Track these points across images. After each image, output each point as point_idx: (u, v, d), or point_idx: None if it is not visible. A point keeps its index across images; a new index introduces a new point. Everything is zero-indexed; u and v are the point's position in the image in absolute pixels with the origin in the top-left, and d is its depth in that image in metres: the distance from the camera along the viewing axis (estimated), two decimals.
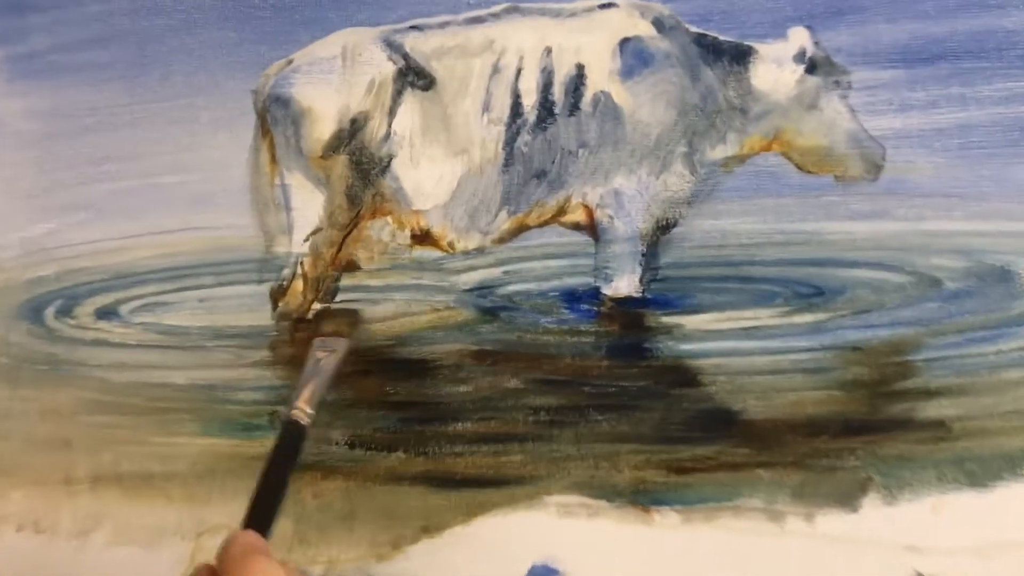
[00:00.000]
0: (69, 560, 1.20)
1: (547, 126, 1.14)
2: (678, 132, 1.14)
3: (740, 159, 1.14)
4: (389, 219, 1.19)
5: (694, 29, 1.14)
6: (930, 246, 1.07)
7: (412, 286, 1.19)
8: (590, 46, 1.14)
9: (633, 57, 1.14)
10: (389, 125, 1.16)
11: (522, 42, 1.15)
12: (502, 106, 1.14)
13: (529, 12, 1.16)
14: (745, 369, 1.08)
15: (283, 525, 1.09)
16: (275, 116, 1.19)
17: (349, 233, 1.19)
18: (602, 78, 1.14)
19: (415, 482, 1.12)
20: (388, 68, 1.16)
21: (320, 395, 0.95)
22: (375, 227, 1.19)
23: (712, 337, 1.10)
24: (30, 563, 1.21)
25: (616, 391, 1.10)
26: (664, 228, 1.14)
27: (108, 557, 1.19)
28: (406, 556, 1.10)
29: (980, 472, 1.02)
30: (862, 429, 1.05)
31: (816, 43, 1.11)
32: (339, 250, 1.20)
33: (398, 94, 1.16)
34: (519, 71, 1.15)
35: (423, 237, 1.19)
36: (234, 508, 1.16)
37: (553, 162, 1.15)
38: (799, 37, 1.11)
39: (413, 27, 1.18)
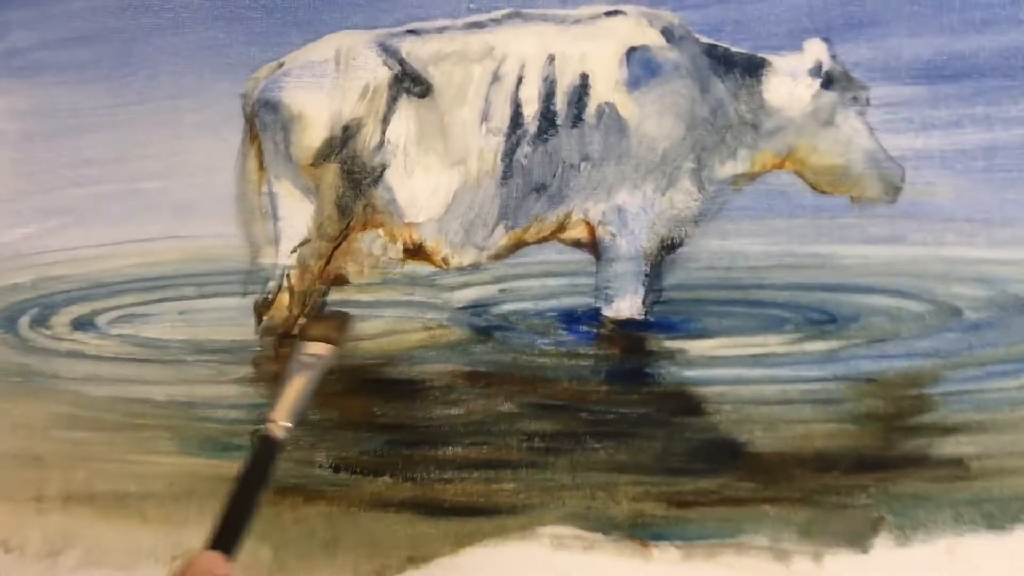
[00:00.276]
0: None
1: (548, 137, 1.12)
2: (686, 147, 1.12)
3: (751, 177, 1.12)
4: (381, 231, 1.17)
5: (705, 39, 1.12)
6: (950, 273, 1.05)
7: (403, 302, 1.17)
8: (595, 55, 1.12)
9: (640, 67, 1.12)
10: (383, 133, 1.14)
11: (524, 49, 1.13)
12: (502, 116, 1.13)
13: (532, 18, 1.14)
14: (752, 398, 1.06)
15: (261, 551, 1.11)
16: (264, 121, 1.18)
17: (338, 245, 1.17)
18: (607, 88, 1.12)
19: (402, 509, 1.10)
20: (383, 73, 1.14)
21: (300, 408, 0.92)
22: (366, 240, 1.17)
23: (717, 363, 1.09)
24: None
25: (615, 418, 1.08)
26: (669, 248, 1.12)
27: None
28: None
29: (999, 514, 1.00)
30: (875, 465, 1.03)
31: (833, 56, 1.09)
32: (328, 263, 1.18)
33: (393, 101, 1.14)
34: (520, 79, 1.13)
35: (416, 251, 1.17)
36: None
37: (554, 175, 1.13)
38: (815, 50, 1.09)
39: (410, 31, 1.16)
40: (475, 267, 1.16)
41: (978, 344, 1.04)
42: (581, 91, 1.12)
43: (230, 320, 1.19)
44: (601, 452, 1.07)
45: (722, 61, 1.11)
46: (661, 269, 1.12)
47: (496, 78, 1.13)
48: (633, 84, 1.11)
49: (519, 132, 1.12)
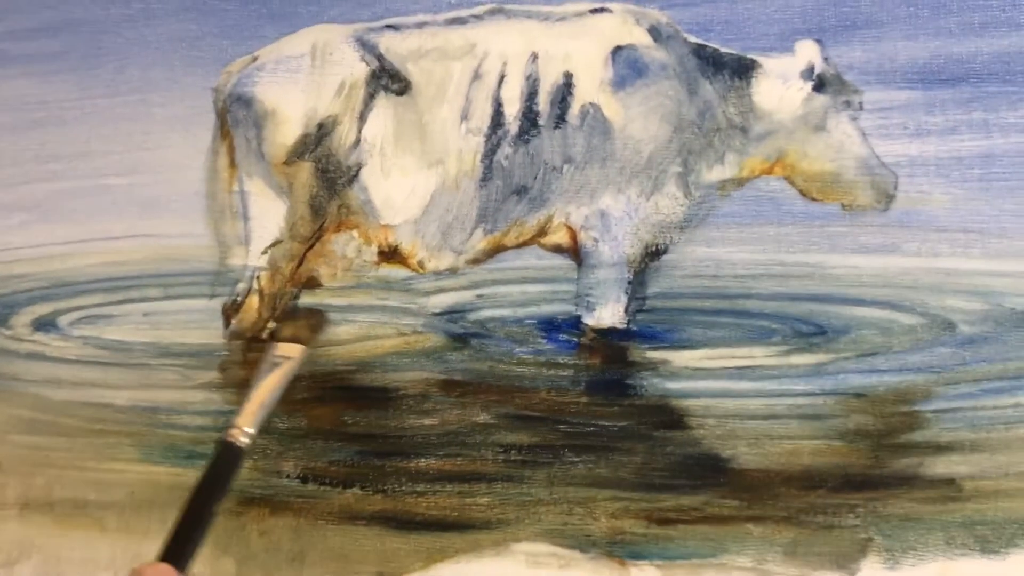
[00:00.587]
0: None
1: (530, 138, 1.10)
2: (672, 150, 1.10)
3: (739, 182, 1.10)
4: (355, 233, 1.15)
5: (693, 39, 1.10)
6: (944, 285, 1.04)
7: (377, 307, 1.16)
8: (580, 53, 1.10)
9: (626, 67, 1.10)
10: (359, 131, 1.12)
11: (506, 46, 1.11)
12: (482, 115, 1.11)
13: (515, 14, 1.13)
14: (737, 412, 1.05)
15: (225, 565, 1.10)
16: (236, 117, 1.16)
17: (311, 247, 1.15)
18: (592, 88, 1.10)
19: (371, 522, 1.09)
20: (360, 69, 1.13)
21: (265, 412, 0.89)
22: (339, 241, 1.15)
23: (702, 375, 1.07)
24: None
25: (594, 431, 1.07)
26: (653, 254, 1.10)
27: None
28: None
29: (992, 537, 0.98)
30: (864, 484, 1.01)
31: (826, 59, 1.07)
32: (299, 265, 1.16)
33: (370, 98, 1.12)
34: (502, 77, 1.11)
35: (391, 254, 1.15)
36: None
37: (535, 178, 1.11)
38: (807, 52, 1.07)
39: (389, 26, 1.14)
40: (452, 271, 1.14)
41: (973, 359, 1.03)
42: (565, 91, 1.10)
43: (197, 323, 1.18)
44: (580, 466, 1.06)
45: (711, 62, 1.10)
46: (645, 276, 1.10)
47: (477, 76, 1.11)
48: (618, 84, 1.10)
49: (500, 132, 1.11)
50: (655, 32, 1.10)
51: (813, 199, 1.08)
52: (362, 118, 1.12)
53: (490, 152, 1.11)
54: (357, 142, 1.12)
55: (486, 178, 1.11)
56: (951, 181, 1.03)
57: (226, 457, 0.86)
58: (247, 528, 1.10)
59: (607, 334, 1.10)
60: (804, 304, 1.06)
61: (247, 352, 1.16)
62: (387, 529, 1.08)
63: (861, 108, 1.06)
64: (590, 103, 1.10)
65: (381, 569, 1.07)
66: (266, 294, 1.15)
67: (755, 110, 1.09)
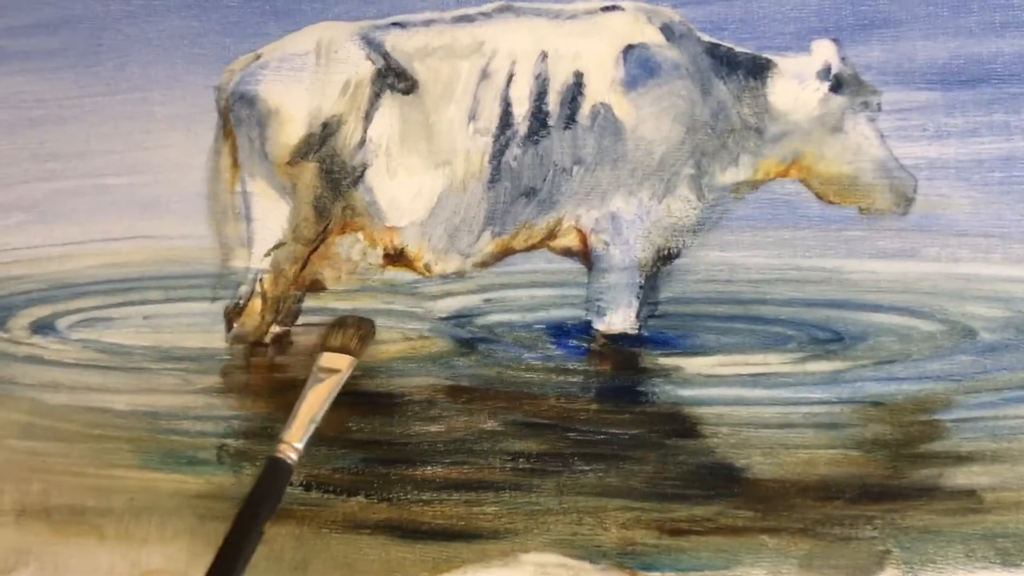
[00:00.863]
0: None
1: (539, 139, 1.10)
2: (685, 151, 1.09)
3: (753, 185, 1.10)
4: (360, 235, 1.14)
5: (707, 38, 1.10)
6: (964, 291, 1.04)
7: (383, 311, 1.14)
8: (590, 52, 1.10)
9: (638, 66, 1.09)
10: (364, 131, 1.12)
11: (515, 45, 1.11)
12: (490, 115, 1.10)
13: (524, 12, 1.12)
14: (751, 421, 1.04)
15: None
16: (239, 116, 1.15)
17: (315, 249, 1.15)
18: (603, 88, 1.09)
19: (376, 531, 1.08)
20: (366, 68, 1.12)
21: (313, 426, 0.91)
22: (344, 244, 1.15)
23: (715, 383, 1.07)
24: None
25: (605, 439, 1.06)
26: (665, 258, 1.10)
27: None
28: None
29: (1014, 549, 0.97)
30: (882, 495, 1.01)
31: (843, 58, 1.07)
32: (303, 267, 1.15)
33: (376, 97, 1.12)
34: (511, 77, 1.10)
35: (397, 257, 1.14)
36: (173, 550, 1.12)
37: (544, 179, 1.10)
38: (824, 51, 1.07)
39: (395, 24, 1.13)
40: (459, 275, 1.14)
41: (994, 367, 1.02)
42: (575, 91, 1.09)
43: (198, 326, 1.17)
44: (590, 475, 1.05)
45: (725, 61, 1.09)
46: (657, 281, 1.10)
47: (485, 75, 1.10)
48: (630, 84, 1.09)
49: (508, 133, 1.10)
50: (668, 30, 1.10)
51: (830, 202, 1.07)
52: (367, 118, 1.12)
53: (498, 153, 1.10)
54: (362, 142, 1.12)
55: (494, 179, 1.10)
56: (971, 184, 1.02)
57: (274, 473, 0.88)
58: None
59: (618, 340, 1.10)
60: (820, 310, 1.06)
61: (250, 356, 1.16)
62: (392, 538, 1.07)
63: (879, 109, 1.06)
64: (601, 103, 1.09)
65: None
66: (269, 297, 1.15)
67: (770, 111, 1.09)
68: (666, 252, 1.09)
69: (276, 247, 1.14)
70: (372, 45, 1.12)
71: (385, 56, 1.12)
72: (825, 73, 1.07)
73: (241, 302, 1.15)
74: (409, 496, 1.08)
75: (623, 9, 1.10)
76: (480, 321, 1.13)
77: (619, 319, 1.09)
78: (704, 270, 1.07)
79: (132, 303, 1.19)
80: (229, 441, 1.12)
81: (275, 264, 1.14)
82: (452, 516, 1.06)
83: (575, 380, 1.09)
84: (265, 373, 1.15)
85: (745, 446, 1.03)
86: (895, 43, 1.04)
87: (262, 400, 1.14)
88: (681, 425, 1.06)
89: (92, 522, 1.14)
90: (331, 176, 1.12)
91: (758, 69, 1.08)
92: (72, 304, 1.21)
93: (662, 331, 1.09)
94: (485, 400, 1.10)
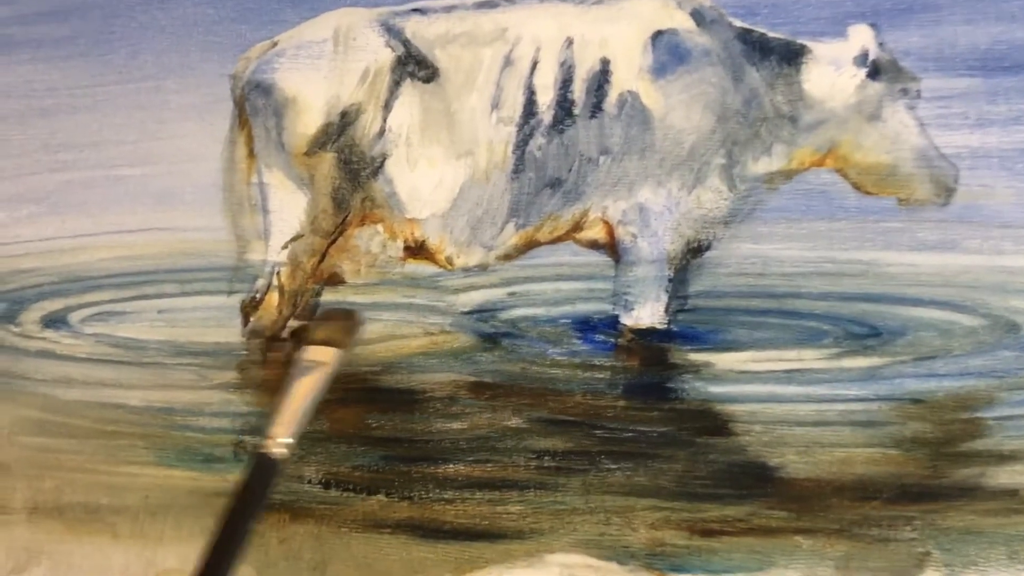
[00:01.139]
0: None
1: (564, 128, 1.09)
2: (716, 141, 1.08)
3: (787, 175, 1.09)
4: (380, 227, 1.14)
5: (738, 23, 1.09)
6: (1008, 285, 1.03)
7: (403, 305, 1.15)
8: (618, 39, 1.09)
9: (667, 53, 1.09)
10: (384, 120, 1.11)
11: (539, 31, 1.10)
12: (514, 103, 1.10)
13: None
14: (785, 418, 1.04)
15: (244, 573, 1.09)
16: (255, 105, 1.15)
17: (334, 241, 1.14)
18: (630, 76, 1.08)
19: (397, 530, 1.08)
20: (385, 55, 1.11)
21: (302, 421, 0.88)
22: (363, 236, 1.14)
23: (747, 379, 1.07)
24: None
25: (633, 436, 1.06)
26: (695, 251, 1.09)
27: None
28: None
29: None
30: (921, 495, 1.00)
31: (881, 44, 1.06)
32: (321, 260, 1.15)
33: (395, 85, 1.11)
34: (535, 64, 1.10)
35: (417, 250, 1.14)
36: (190, 550, 1.15)
37: (570, 170, 1.10)
38: (861, 36, 1.06)
39: (415, 10, 1.13)
40: (482, 268, 1.13)
41: None
42: (601, 78, 1.09)
43: (214, 320, 1.17)
44: (617, 473, 1.05)
45: (757, 47, 1.08)
46: (686, 274, 1.10)
47: (508, 62, 1.10)
48: (659, 71, 1.09)
49: (532, 122, 1.09)
50: (698, 15, 1.09)
51: (867, 193, 1.07)
52: (387, 106, 1.11)
53: (522, 143, 1.10)
54: (382, 132, 1.11)
55: (518, 170, 1.10)
56: (1015, 174, 1.02)
57: (261, 470, 0.85)
58: (267, 536, 1.09)
59: (646, 335, 1.10)
60: (857, 304, 1.06)
61: (267, 351, 1.16)
62: (413, 538, 1.07)
63: (919, 96, 1.05)
64: (628, 91, 1.09)
65: None
66: (286, 291, 1.15)
67: (805, 98, 1.08)
68: (696, 244, 1.09)
69: (293, 239, 1.14)
70: (392, 32, 1.12)
71: (405, 43, 1.11)
72: (862, 59, 1.06)
73: (258, 296, 1.15)
74: (431, 495, 1.08)
75: None
76: (504, 315, 1.14)
77: (647, 313, 1.09)
78: (736, 263, 1.07)
79: (146, 297, 1.20)
80: (246, 438, 1.12)
81: (293, 257, 1.14)
82: (475, 515, 1.07)
83: (602, 376, 1.09)
84: (282, 368, 1.16)
85: (779, 444, 1.03)
86: (935, 28, 1.03)
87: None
88: (712, 422, 1.06)
89: (106, 520, 1.15)
90: (350, 167, 1.12)
91: (792, 55, 1.08)
92: (85, 298, 1.22)
93: (692, 326, 1.09)
94: (509, 396, 1.10)
